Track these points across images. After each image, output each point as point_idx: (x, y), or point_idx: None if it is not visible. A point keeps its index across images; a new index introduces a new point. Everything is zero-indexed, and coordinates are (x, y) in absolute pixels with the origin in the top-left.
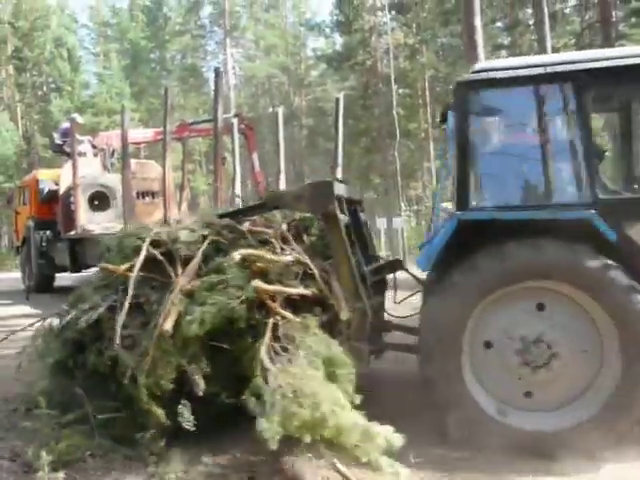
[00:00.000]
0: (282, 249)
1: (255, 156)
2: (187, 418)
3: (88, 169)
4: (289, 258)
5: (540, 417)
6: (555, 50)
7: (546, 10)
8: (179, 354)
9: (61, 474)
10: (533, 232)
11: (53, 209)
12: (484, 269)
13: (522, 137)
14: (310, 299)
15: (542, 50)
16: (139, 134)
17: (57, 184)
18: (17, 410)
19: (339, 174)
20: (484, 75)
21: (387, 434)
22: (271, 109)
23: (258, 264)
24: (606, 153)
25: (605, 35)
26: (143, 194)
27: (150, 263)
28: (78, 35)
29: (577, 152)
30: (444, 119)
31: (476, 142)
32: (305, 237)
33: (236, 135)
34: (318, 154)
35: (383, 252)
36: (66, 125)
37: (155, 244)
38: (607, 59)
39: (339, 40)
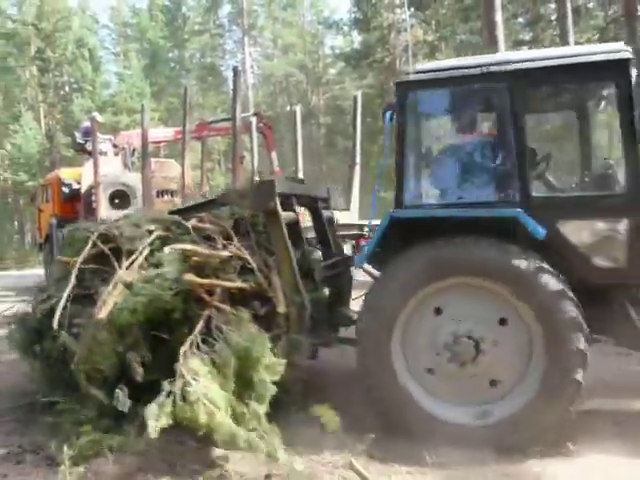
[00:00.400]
0: (224, 245)
1: (274, 155)
2: (122, 402)
3: (109, 168)
4: (226, 253)
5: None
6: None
7: (569, 4)
8: (117, 342)
9: (82, 468)
10: (464, 230)
11: (75, 207)
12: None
13: (458, 136)
14: (250, 293)
15: (565, 45)
16: (160, 133)
17: (79, 182)
18: (35, 404)
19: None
20: (423, 76)
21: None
22: (289, 108)
23: (194, 258)
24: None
25: (630, 29)
26: (162, 192)
27: (102, 257)
28: (99, 35)
29: (510, 151)
30: (391, 118)
31: (414, 141)
32: (252, 233)
33: (255, 134)
34: (336, 152)
35: None
36: (87, 124)
37: (104, 239)
38: (539, 59)
39: (357, 38)
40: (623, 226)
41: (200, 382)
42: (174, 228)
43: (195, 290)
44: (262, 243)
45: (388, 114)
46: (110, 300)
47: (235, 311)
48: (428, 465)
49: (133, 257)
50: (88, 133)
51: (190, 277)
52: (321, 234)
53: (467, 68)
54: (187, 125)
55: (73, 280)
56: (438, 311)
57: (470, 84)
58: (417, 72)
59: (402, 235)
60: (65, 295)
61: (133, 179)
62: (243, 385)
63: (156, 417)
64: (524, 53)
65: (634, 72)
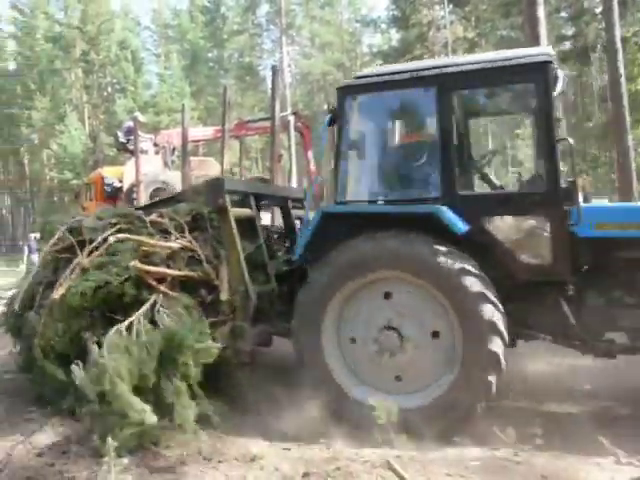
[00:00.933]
0: (177, 237)
1: (310, 153)
2: (78, 376)
3: (150, 166)
4: (175, 245)
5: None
6: (625, 40)
7: None
8: (71, 321)
9: (125, 460)
10: (389, 225)
11: (117, 205)
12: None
13: (391, 138)
14: (199, 282)
15: (610, 40)
16: (199, 132)
17: (121, 181)
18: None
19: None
20: (361, 81)
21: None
22: (326, 106)
23: (143, 248)
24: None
25: None
26: None
27: (72, 247)
28: (141, 37)
29: (437, 151)
30: (331, 121)
31: (351, 142)
32: (210, 228)
33: (292, 133)
34: None
35: None
36: (129, 124)
37: (73, 230)
38: (463, 64)
39: (395, 36)
40: (542, 223)
41: (112, 356)
42: (136, 222)
43: (145, 277)
44: (216, 237)
45: (328, 117)
46: (66, 283)
47: (181, 298)
48: (468, 468)
49: (92, 246)
50: (130, 132)
51: (136, 265)
52: (289, 231)
53: (399, 73)
54: (226, 124)
55: (41, 267)
56: (385, 295)
57: (401, 88)
58: (357, 77)
59: (335, 230)
60: (29, 280)
61: (173, 177)
62: (170, 364)
63: (79, 380)
64: (453, 58)
65: (561, 75)
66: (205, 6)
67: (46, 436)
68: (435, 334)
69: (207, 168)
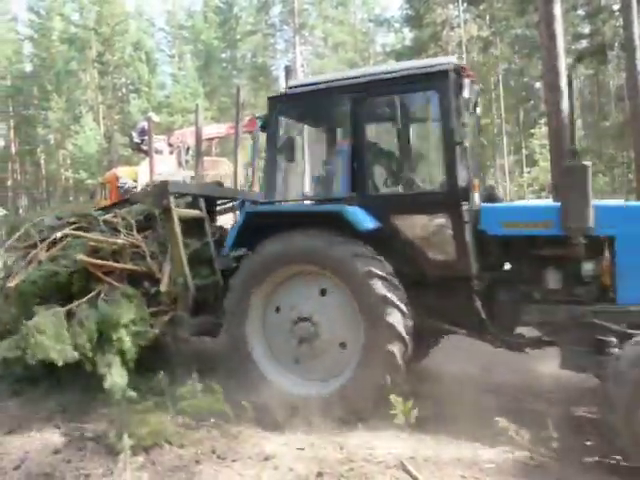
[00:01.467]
0: (125, 235)
1: None
2: (30, 356)
3: (164, 166)
4: (120, 241)
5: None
6: None
7: None
8: (24, 307)
9: (141, 458)
10: (305, 223)
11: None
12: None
13: (312, 142)
14: (143, 275)
15: (628, 37)
16: (213, 129)
17: (135, 181)
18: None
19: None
20: (289, 91)
21: None
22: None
23: (91, 244)
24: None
25: None
26: None
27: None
28: (155, 38)
29: (351, 154)
30: (264, 127)
31: (278, 146)
32: (159, 227)
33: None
34: None
35: None
36: (143, 124)
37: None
38: (373, 74)
39: (409, 35)
40: (443, 221)
41: (40, 322)
42: (93, 221)
43: (93, 270)
44: (165, 235)
45: (259, 122)
46: (22, 273)
47: (125, 288)
48: (483, 470)
49: (48, 241)
50: (144, 133)
51: (82, 258)
52: None
53: (320, 84)
54: (239, 123)
55: (1, 260)
56: (307, 288)
57: (321, 97)
58: (289, 87)
59: (259, 227)
60: None
61: (187, 177)
62: (106, 341)
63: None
64: (368, 68)
65: (467, 83)
66: (218, 7)
67: (62, 433)
68: (344, 325)
69: (220, 168)
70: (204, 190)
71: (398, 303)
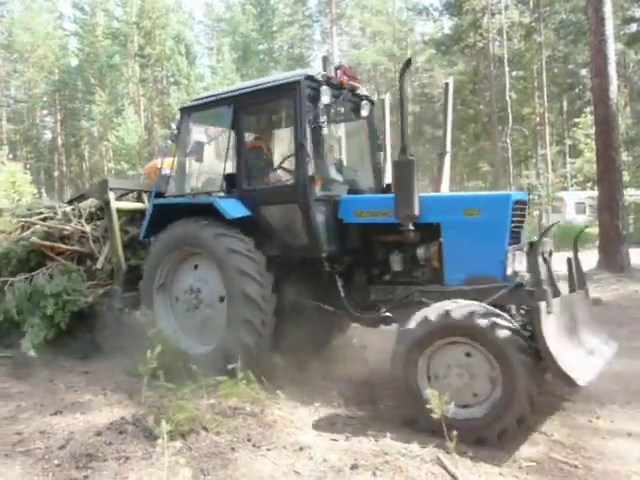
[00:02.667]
0: (77, 222)
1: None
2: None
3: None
4: (68, 227)
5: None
6: None
7: None
8: None
9: (178, 443)
10: (191, 212)
11: None
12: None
13: (208, 145)
14: (88, 255)
15: None
16: None
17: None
18: (137, 379)
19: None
20: (193, 103)
21: None
22: (376, 96)
23: (44, 229)
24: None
25: None
26: None
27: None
28: (194, 31)
29: (233, 155)
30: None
31: (185, 148)
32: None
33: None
34: (424, 141)
35: None
36: None
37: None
38: (246, 87)
39: (448, 23)
40: (295, 211)
41: None
42: (58, 211)
43: (46, 251)
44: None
45: (173, 127)
46: None
47: (70, 266)
48: (522, 469)
49: (15, 227)
50: None
51: (34, 240)
52: None
53: (213, 96)
54: None
55: None
56: (195, 267)
57: (215, 108)
58: (193, 100)
59: (164, 217)
60: None
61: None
62: (36, 308)
63: None
64: (243, 83)
65: (326, 92)
66: None
67: (104, 416)
68: (222, 299)
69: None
70: (137, 186)
71: (254, 274)
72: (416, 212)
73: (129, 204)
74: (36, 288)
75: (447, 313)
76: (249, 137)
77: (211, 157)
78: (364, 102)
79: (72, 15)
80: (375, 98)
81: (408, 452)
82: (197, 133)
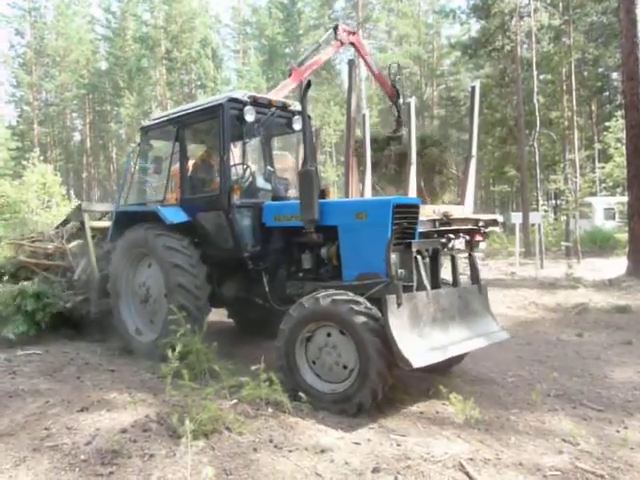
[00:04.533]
0: (59, 243)
1: (370, 60)
2: None
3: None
4: (50, 247)
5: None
6: None
7: None
8: None
9: (201, 442)
10: (143, 220)
11: None
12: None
13: (159, 161)
14: (67, 268)
15: None
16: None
17: None
18: (162, 378)
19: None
20: (151, 122)
21: None
22: (402, 100)
23: (31, 250)
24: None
25: None
26: None
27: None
28: (221, 34)
29: (178, 167)
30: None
31: (144, 162)
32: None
33: (367, 126)
34: (449, 145)
35: (517, 248)
36: None
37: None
38: (188, 108)
39: (475, 26)
40: (221, 216)
41: None
42: (45, 235)
43: (32, 267)
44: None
45: (132, 146)
46: None
47: (52, 278)
48: (547, 477)
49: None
50: None
51: (20, 257)
52: None
53: (162, 117)
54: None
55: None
56: (148, 266)
57: (167, 127)
58: (151, 120)
59: (124, 223)
60: None
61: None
62: (18, 306)
63: None
64: (188, 105)
65: (250, 111)
66: (282, 2)
67: (129, 414)
68: (166, 295)
69: (282, 161)
70: (109, 208)
71: (187, 267)
72: (316, 216)
73: (103, 223)
74: (20, 289)
75: (317, 300)
76: (190, 152)
77: (166, 170)
78: (296, 117)
79: (104, 19)
80: (401, 101)
81: (430, 457)
82: (155, 149)
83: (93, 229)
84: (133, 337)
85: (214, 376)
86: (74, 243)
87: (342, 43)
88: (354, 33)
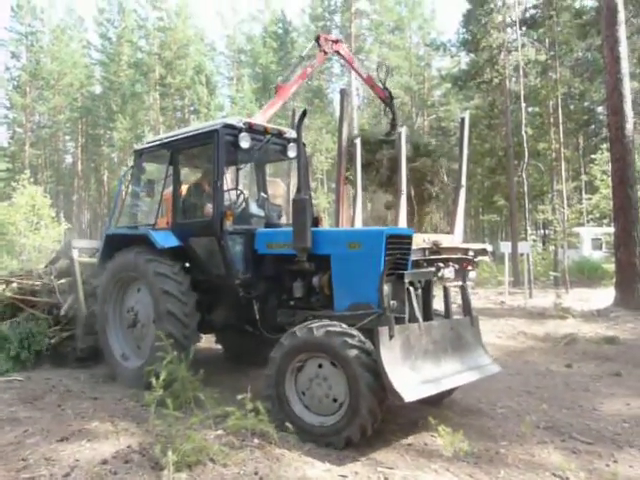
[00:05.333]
0: (48, 279)
1: (357, 65)
2: None
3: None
4: (37, 283)
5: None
6: None
7: None
8: None
9: (184, 475)
10: (137, 242)
11: None
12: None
13: (151, 184)
14: (54, 305)
15: None
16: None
17: None
18: (146, 406)
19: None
20: (143, 146)
21: None
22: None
23: (19, 287)
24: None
25: None
26: None
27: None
28: (215, 62)
29: (171, 193)
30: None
31: (136, 185)
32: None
33: (359, 156)
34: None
35: (507, 277)
36: None
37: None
38: (180, 134)
39: (465, 59)
40: (213, 242)
41: None
42: (34, 273)
43: (20, 304)
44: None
45: (125, 169)
46: None
47: (39, 314)
48: None
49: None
50: None
51: (9, 294)
52: None
53: (155, 141)
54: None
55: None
56: (137, 291)
57: (161, 151)
58: (145, 144)
59: (115, 245)
60: None
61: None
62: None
63: None
64: (182, 129)
65: (245, 138)
66: (276, 32)
67: (111, 444)
68: (155, 320)
69: (274, 188)
70: (95, 245)
71: (177, 294)
72: (309, 244)
73: (93, 259)
74: (3, 333)
75: (310, 330)
76: (183, 177)
77: (158, 193)
78: (291, 144)
79: (99, 45)
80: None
81: None
82: (148, 172)
83: (82, 265)
84: (119, 362)
85: (200, 405)
86: (62, 280)
87: (326, 53)
88: (337, 42)
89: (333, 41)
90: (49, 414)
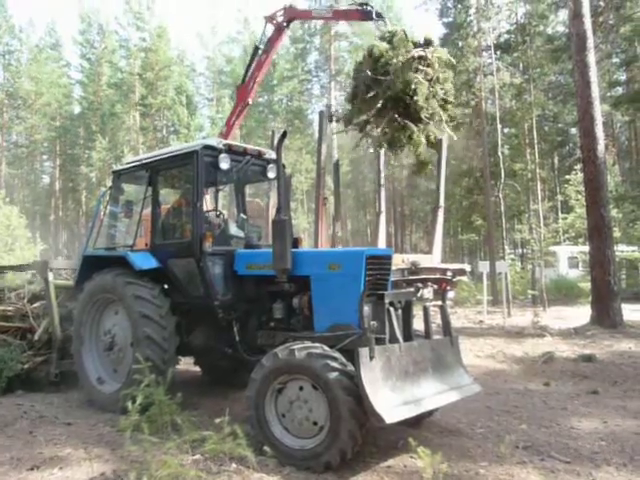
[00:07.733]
0: (20, 305)
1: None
2: None
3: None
4: (10, 308)
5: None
6: None
7: None
8: None
9: None
10: (115, 263)
11: None
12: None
13: (130, 205)
14: (28, 329)
15: None
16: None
17: None
18: (121, 431)
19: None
20: (122, 167)
21: None
22: (372, 150)
23: None
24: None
25: None
26: None
27: None
28: (195, 83)
29: (150, 214)
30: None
31: (114, 207)
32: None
33: (339, 175)
34: (418, 194)
35: (485, 296)
36: None
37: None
38: (159, 155)
39: None
40: (192, 264)
41: None
42: (5, 296)
43: None
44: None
45: (103, 190)
46: None
47: (11, 340)
48: None
49: None
50: None
51: None
52: None
53: (135, 162)
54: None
55: None
56: (115, 313)
57: (140, 171)
58: (123, 164)
59: (91, 266)
60: None
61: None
62: None
63: None
64: (161, 150)
65: (224, 159)
66: None
67: (84, 471)
68: (132, 344)
69: (253, 209)
70: (72, 265)
71: (156, 318)
72: (289, 266)
73: (68, 282)
74: None
75: (291, 352)
76: (162, 198)
77: (137, 214)
78: (271, 165)
79: (79, 65)
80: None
81: None
82: (127, 193)
83: (57, 287)
84: (94, 387)
85: (177, 429)
86: (36, 304)
87: (280, 27)
88: (286, 8)
89: (283, 10)
90: (19, 441)
